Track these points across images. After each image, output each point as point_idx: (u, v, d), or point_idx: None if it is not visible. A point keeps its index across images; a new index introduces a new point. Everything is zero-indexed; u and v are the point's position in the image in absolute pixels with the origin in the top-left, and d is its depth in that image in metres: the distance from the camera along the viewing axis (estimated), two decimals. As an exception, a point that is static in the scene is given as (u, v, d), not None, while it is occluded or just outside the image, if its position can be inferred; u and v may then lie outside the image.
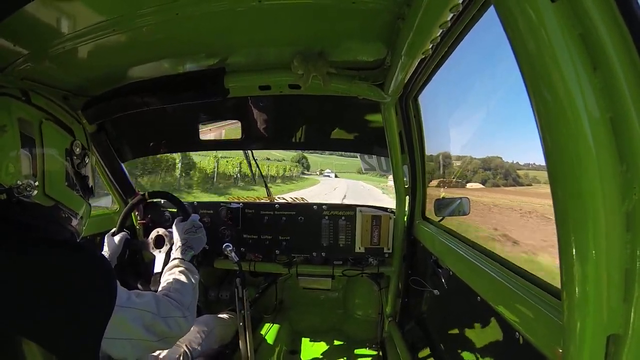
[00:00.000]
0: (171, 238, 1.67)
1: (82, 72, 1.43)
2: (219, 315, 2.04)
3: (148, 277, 1.67)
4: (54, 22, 1.03)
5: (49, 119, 0.88)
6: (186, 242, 1.43)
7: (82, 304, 0.75)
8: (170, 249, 1.73)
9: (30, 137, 0.82)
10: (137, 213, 2.23)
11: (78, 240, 1.03)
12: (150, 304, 0.94)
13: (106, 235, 1.70)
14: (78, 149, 0.95)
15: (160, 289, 1.15)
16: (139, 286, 1.69)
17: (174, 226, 1.54)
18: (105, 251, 1.64)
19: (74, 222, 0.97)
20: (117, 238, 1.68)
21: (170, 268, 1.27)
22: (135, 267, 2.21)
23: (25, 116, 0.82)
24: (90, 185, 1.02)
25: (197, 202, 2.27)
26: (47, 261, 0.74)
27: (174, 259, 1.34)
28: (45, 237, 0.86)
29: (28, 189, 0.81)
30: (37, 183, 0.83)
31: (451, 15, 0.79)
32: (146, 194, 1.88)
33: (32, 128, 0.83)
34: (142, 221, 2.24)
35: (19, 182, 0.80)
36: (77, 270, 0.78)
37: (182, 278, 1.20)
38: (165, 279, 1.20)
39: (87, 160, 0.99)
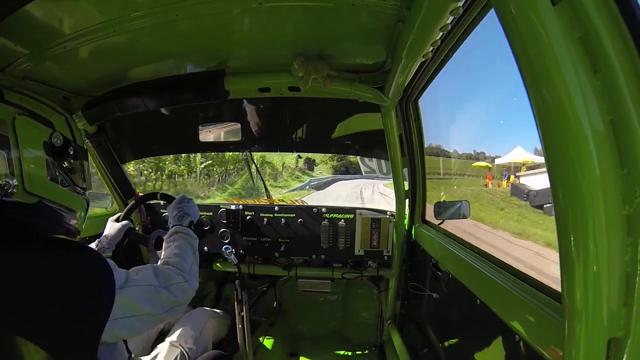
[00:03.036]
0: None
1: (83, 73, 1.43)
2: (212, 309, 2.03)
3: None
4: (55, 22, 1.03)
5: (23, 114, 0.85)
6: (180, 210, 1.42)
7: (81, 302, 0.75)
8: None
9: (3, 135, 0.80)
10: (139, 214, 2.23)
11: (77, 235, 1.01)
12: (149, 278, 0.94)
13: (109, 219, 1.69)
14: (59, 141, 0.92)
15: (161, 257, 1.16)
16: None
17: (167, 209, 1.52)
18: (106, 235, 1.62)
19: (66, 217, 0.95)
20: (119, 225, 1.66)
21: (169, 236, 1.27)
22: (131, 258, 2.22)
23: None
24: (74, 178, 0.98)
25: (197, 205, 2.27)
26: (46, 261, 0.74)
27: (172, 226, 1.33)
28: (44, 237, 0.85)
29: (6, 187, 0.79)
30: (15, 182, 0.81)
31: (451, 18, 0.79)
32: (159, 194, 1.89)
33: (5, 126, 0.81)
34: (143, 222, 2.24)
35: None
36: (76, 269, 0.77)
37: (181, 242, 1.21)
38: (165, 247, 1.21)
39: (71, 151, 0.95)
